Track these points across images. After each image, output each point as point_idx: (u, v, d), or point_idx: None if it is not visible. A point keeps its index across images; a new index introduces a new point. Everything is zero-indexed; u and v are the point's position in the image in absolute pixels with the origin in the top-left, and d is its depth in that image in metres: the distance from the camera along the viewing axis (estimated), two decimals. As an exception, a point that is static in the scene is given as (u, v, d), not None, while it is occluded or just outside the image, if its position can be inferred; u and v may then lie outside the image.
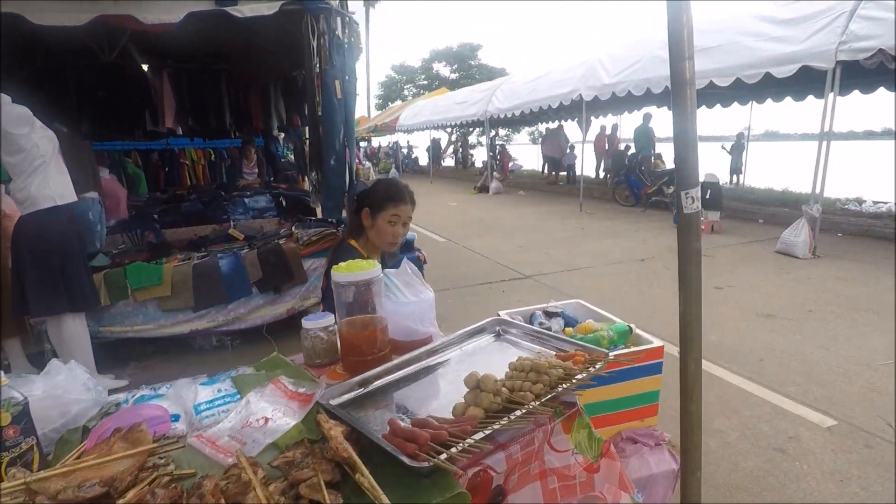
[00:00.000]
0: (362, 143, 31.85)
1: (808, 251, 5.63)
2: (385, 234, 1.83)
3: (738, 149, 12.70)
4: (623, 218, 8.91)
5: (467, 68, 36.56)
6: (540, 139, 19.65)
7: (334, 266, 1.36)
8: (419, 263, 3.94)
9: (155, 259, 3.89)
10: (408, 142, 31.48)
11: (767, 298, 4.40)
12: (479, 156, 24.99)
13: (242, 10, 3.31)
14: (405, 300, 1.47)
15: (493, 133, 25.94)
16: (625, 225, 8.17)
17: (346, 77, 3.67)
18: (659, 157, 12.84)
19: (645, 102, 12.24)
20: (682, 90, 1.32)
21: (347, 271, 1.33)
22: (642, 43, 8.57)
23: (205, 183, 9.33)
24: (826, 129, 5.60)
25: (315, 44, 3.55)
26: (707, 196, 7.13)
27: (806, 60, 5.70)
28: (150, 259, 3.91)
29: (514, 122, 19.67)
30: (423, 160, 29.19)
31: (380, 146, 30.08)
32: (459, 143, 26.31)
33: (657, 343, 1.79)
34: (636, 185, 9.86)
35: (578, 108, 10.11)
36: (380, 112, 32.50)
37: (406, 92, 38.28)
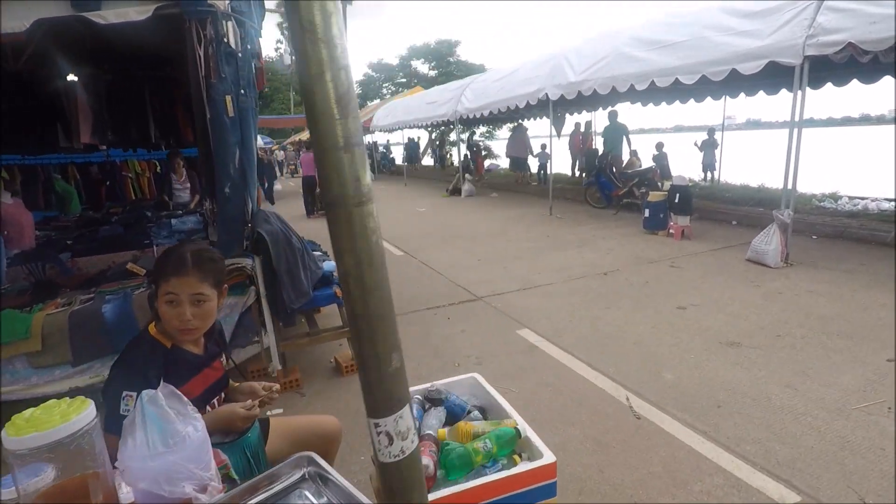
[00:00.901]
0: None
1: (779, 259, 5.26)
2: (168, 319, 1.36)
3: (709, 145, 12.36)
4: (592, 223, 8.51)
5: (446, 65, 36.07)
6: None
7: (6, 425, 0.91)
8: (335, 300, 3.48)
9: (36, 302, 3.39)
10: (387, 140, 30.97)
11: (734, 320, 4.00)
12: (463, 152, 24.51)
13: (106, 16, 2.81)
14: (153, 450, 1.00)
15: (469, 132, 25.57)
16: (593, 231, 7.76)
17: (242, 91, 3.19)
18: (635, 153, 12.49)
19: (615, 100, 11.88)
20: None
21: (24, 431, 0.88)
22: (609, 38, 8.15)
23: (150, 196, 8.79)
24: (794, 127, 5.22)
25: (202, 53, 3.06)
26: (676, 200, 6.74)
27: (773, 56, 5.31)
28: (32, 302, 3.41)
29: (490, 119, 19.17)
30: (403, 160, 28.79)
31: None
32: (437, 143, 25.81)
33: (548, 458, 1.33)
34: (607, 186, 9.46)
35: (549, 107, 9.70)
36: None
37: (385, 90, 37.69)
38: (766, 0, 5.71)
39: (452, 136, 31.49)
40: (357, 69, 43.05)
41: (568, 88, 8.53)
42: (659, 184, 8.98)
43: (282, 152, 35.47)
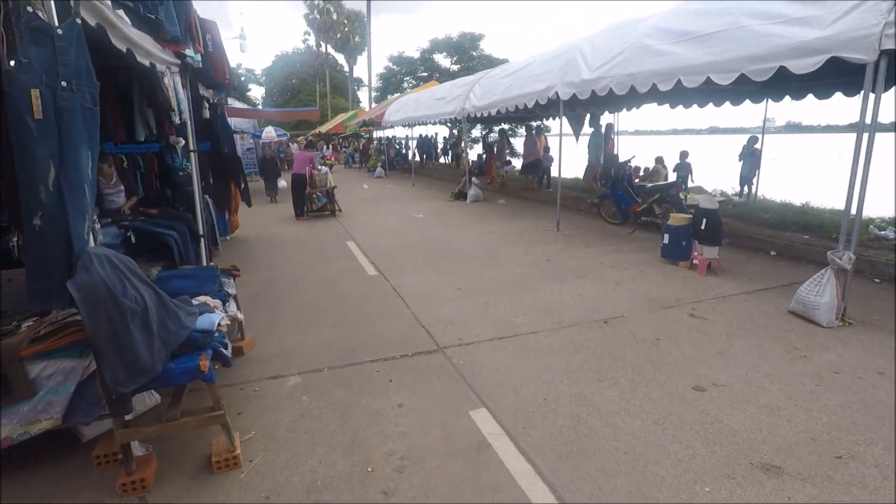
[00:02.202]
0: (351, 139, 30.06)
1: (833, 317, 4.06)
2: None
3: (749, 155, 10.96)
4: (604, 243, 7.35)
5: (468, 59, 34.87)
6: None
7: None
8: (200, 375, 2.50)
9: None
10: (407, 136, 30.03)
11: (772, 419, 2.86)
12: (477, 152, 23.38)
13: None
14: None
15: (487, 130, 24.38)
16: (602, 255, 6.61)
17: (64, 84, 2.22)
18: (660, 161, 11.24)
19: (636, 101, 10.62)
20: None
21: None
22: (628, 28, 6.95)
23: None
24: (863, 142, 3.99)
25: (-2, 29, 2.11)
26: (703, 227, 5.55)
27: (836, 50, 4.09)
28: None
29: (504, 118, 17.99)
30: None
31: (371, 142, 28.56)
32: (451, 140, 24.75)
33: None
34: (624, 200, 8.26)
35: (567, 106, 8.56)
36: (376, 105, 31.07)
37: (406, 84, 36.74)
38: (827, -21, 4.49)
39: (475, 133, 30.45)
40: (378, 62, 42.25)
41: (581, 87, 7.37)
42: (683, 197, 7.77)
43: (295, 145, 34.95)
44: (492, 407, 3.06)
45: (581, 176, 13.29)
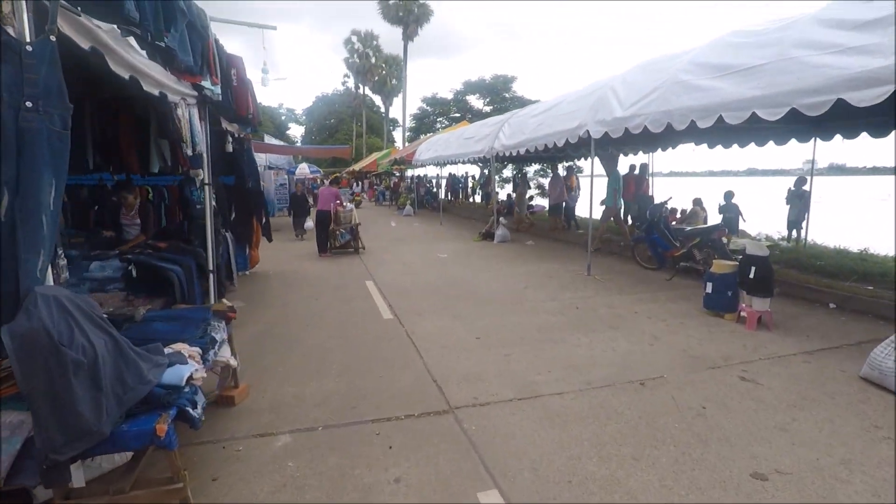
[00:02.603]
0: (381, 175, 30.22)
1: (919, 388, 3.42)
2: None
3: (797, 197, 10.27)
4: (639, 290, 6.80)
5: (501, 101, 35.26)
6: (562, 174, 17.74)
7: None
8: (157, 440, 2.14)
9: None
10: (437, 174, 30.20)
11: (856, 520, 2.28)
12: (508, 191, 23.16)
13: None
14: None
15: (518, 170, 24.26)
16: (637, 303, 6.07)
17: (29, 104, 2.00)
18: (699, 203, 10.69)
19: (672, 140, 10.19)
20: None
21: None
22: (664, 63, 6.62)
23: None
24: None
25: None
26: (751, 276, 4.99)
27: (907, 81, 3.63)
28: None
29: (535, 157, 17.79)
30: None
31: (402, 180, 28.84)
32: (481, 180, 24.67)
33: None
34: (660, 244, 7.73)
35: (599, 145, 8.21)
36: (408, 145, 31.60)
37: (438, 125, 37.35)
38: (884, 3, 4.08)
39: (507, 172, 30.37)
40: (413, 103, 43.33)
41: (613, 125, 7.02)
42: (726, 241, 7.18)
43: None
44: (505, 489, 2.58)
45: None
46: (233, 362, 3.52)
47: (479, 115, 33.57)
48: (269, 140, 22.21)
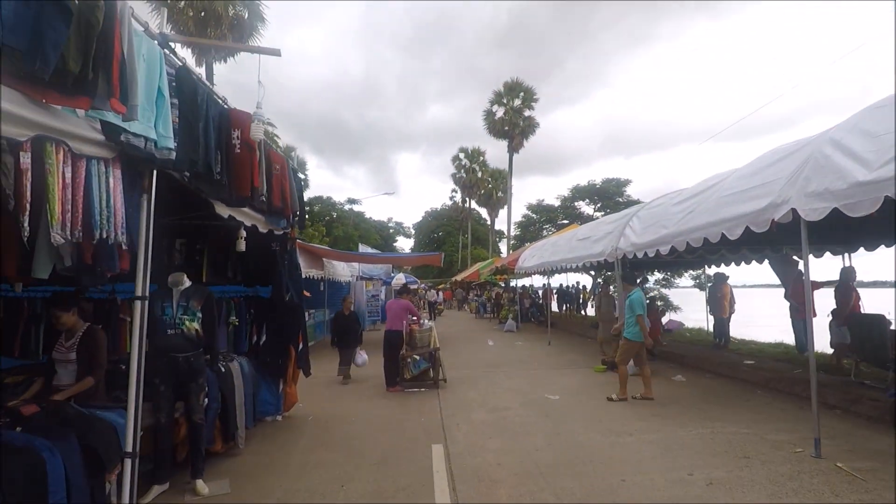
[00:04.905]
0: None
1: None
2: None
3: None
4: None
5: (613, 205, 32.58)
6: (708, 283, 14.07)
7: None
8: None
9: None
10: (545, 284, 27.38)
11: None
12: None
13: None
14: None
15: (640, 278, 20.59)
16: None
17: None
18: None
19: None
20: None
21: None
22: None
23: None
24: None
25: None
26: None
27: None
28: None
29: (665, 264, 14.42)
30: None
31: (506, 291, 26.37)
32: (595, 289, 21.34)
33: None
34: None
35: (789, 237, 5.21)
36: (511, 253, 29.67)
37: (545, 232, 35.34)
38: None
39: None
40: (518, 214, 42.34)
41: (846, 198, 4.06)
42: None
43: (433, 292, 34.32)
44: None
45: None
46: None
47: (588, 221, 31.06)
48: (366, 250, 21.54)
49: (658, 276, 24.86)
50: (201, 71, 22.28)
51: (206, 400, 4.09)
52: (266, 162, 4.70)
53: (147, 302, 2.93)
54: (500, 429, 5.56)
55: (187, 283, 4.02)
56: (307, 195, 35.14)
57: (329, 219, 34.71)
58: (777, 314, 10.38)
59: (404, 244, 62.94)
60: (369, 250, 21.51)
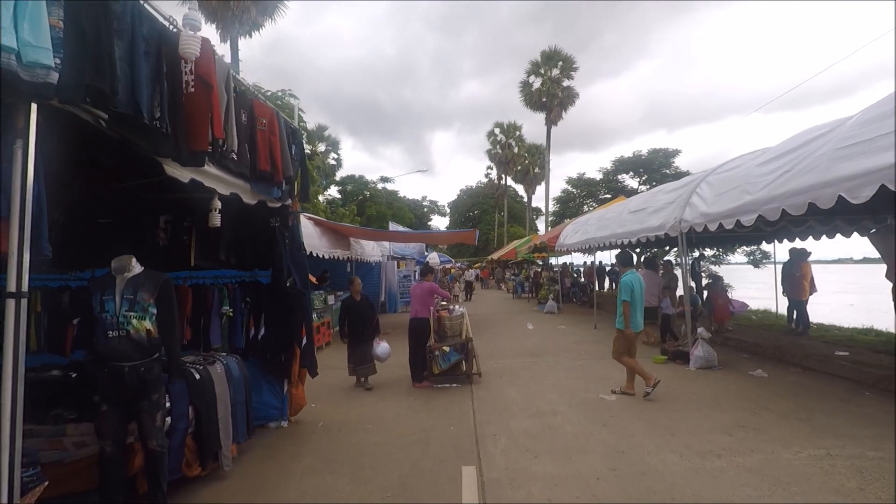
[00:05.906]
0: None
1: None
2: None
3: None
4: None
5: (660, 178, 30.39)
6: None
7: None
8: None
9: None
10: (585, 262, 25.87)
11: None
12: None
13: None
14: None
15: (695, 256, 18.77)
16: None
17: None
18: None
19: None
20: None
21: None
22: None
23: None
24: None
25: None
26: None
27: None
28: None
29: (733, 237, 12.66)
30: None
31: (547, 268, 24.99)
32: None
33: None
34: None
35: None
36: (551, 230, 28.15)
37: (586, 208, 33.55)
38: None
39: (671, 257, 24.19)
40: (556, 187, 40.50)
41: None
42: None
43: (471, 272, 33.25)
44: None
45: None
46: None
47: (632, 195, 29.07)
48: (396, 227, 20.62)
49: (708, 252, 22.81)
50: (226, 48, 21.50)
51: (169, 420, 3.20)
52: (248, 115, 3.70)
53: (25, 300, 1.98)
54: (547, 443, 4.49)
55: (137, 268, 3.09)
56: (339, 174, 34.52)
57: (361, 198, 33.96)
58: (849, 293, 8.77)
59: (439, 223, 62.02)
60: (400, 228, 20.57)
